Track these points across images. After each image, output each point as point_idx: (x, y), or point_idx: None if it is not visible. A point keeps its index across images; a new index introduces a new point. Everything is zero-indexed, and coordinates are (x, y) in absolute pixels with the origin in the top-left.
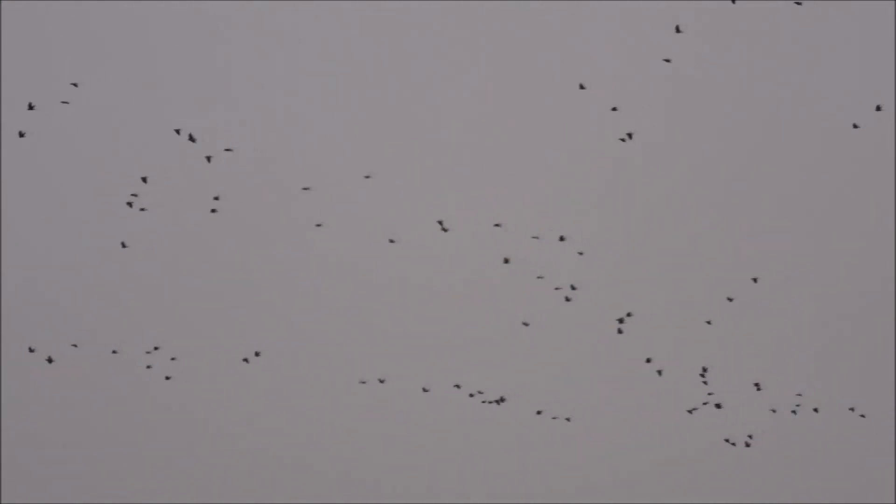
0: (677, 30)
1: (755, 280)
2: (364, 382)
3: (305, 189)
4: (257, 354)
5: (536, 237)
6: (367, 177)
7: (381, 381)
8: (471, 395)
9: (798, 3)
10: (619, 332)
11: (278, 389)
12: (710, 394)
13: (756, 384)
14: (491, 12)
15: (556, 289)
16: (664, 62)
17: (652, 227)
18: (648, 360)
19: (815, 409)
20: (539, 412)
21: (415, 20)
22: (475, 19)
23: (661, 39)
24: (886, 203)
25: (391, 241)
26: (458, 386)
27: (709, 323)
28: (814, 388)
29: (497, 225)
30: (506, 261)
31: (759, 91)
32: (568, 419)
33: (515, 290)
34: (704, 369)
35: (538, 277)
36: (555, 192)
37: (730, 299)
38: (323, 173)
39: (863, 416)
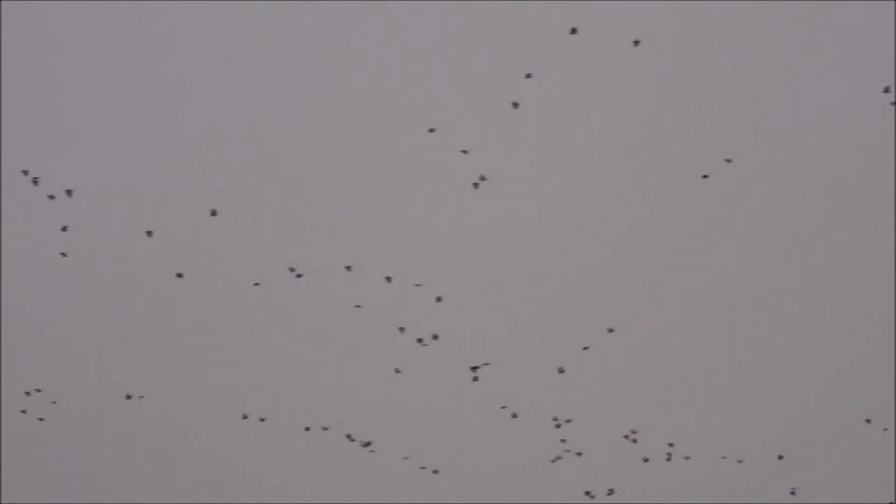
0: None
1: (610, 330)
2: (246, 417)
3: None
4: (138, 397)
5: (389, 278)
6: (214, 213)
7: (262, 420)
8: (347, 437)
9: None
10: (475, 379)
11: (160, 424)
12: (562, 440)
13: (632, 433)
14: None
15: (419, 340)
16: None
17: (520, 269)
18: (504, 407)
19: (687, 458)
20: (406, 458)
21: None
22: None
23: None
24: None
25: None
26: (325, 428)
27: (561, 371)
28: (687, 436)
29: (387, 278)
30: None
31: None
32: (436, 472)
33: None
34: (557, 418)
35: (400, 329)
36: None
37: (585, 348)
38: (163, 214)
39: (739, 461)
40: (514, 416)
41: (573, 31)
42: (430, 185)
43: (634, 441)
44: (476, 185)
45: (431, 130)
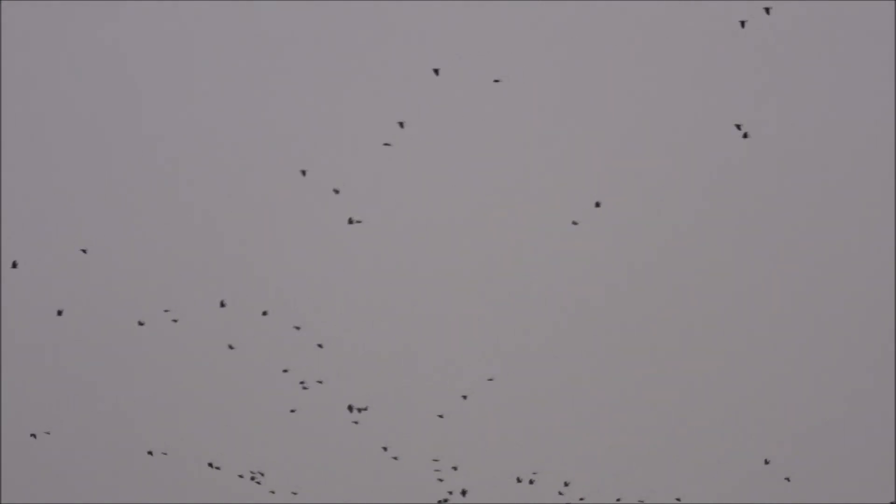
0: None
1: (490, 379)
2: (151, 453)
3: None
4: (34, 436)
5: (265, 312)
6: (83, 250)
7: (165, 454)
8: (240, 476)
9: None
10: (356, 423)
11: (62, 460)
12: (440, 479)
13: (530, 478)
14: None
15: (301, 383)
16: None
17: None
18: (385, 449)
19: (582, 499)
20: (295, 493)
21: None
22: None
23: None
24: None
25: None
26: (218, 467)
27: (441, 417)
28: (581, 477)
29: (263, 313)
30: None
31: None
32: None
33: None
34: (435, 460)
35: (284, 371)
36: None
37: (464, 397)
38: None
39: (642, 501)
40: (395, 458)
41: (436, 71)
42: (305, 222)
43: (531, 482)
44: (351, 222)
45: (303, 173)
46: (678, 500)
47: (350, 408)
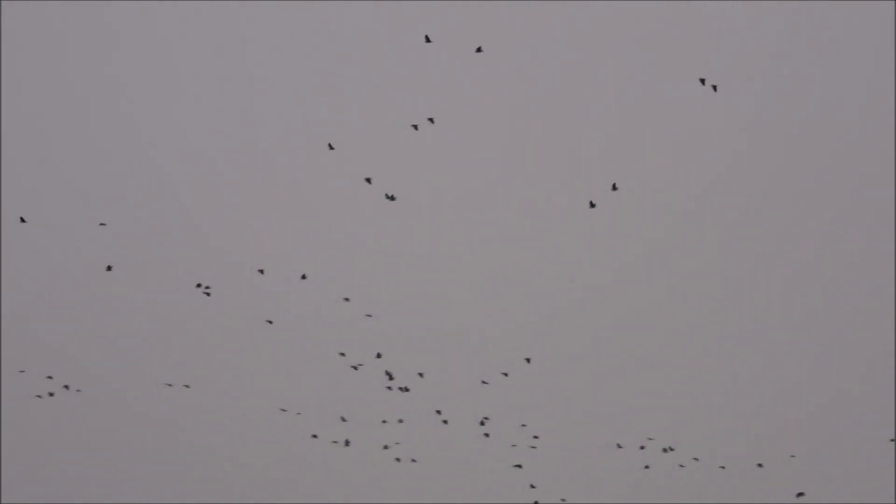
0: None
1: (528, 360)
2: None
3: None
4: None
5: (304, 276)
6: (22, 218)
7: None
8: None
9: None
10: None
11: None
12: (486, 434)
13: (647, 439)
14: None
15: (354, 367)
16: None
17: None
18: (438, 412)
19: (694, 459)
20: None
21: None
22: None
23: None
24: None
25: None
26: (315, 436)
27: (483, 383)
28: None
29: (302, 276)
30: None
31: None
32: (414, 460)
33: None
34: (483, 420)
35: (340, 354)
36: None
37: (501, 374)
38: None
39: (722, 467)
40: (445, 421)
41: (428, 39)
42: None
43: (642, 447)
44: (388, 198)
45: (331, 147)
46: (760, 465)
47: (389, 375)
